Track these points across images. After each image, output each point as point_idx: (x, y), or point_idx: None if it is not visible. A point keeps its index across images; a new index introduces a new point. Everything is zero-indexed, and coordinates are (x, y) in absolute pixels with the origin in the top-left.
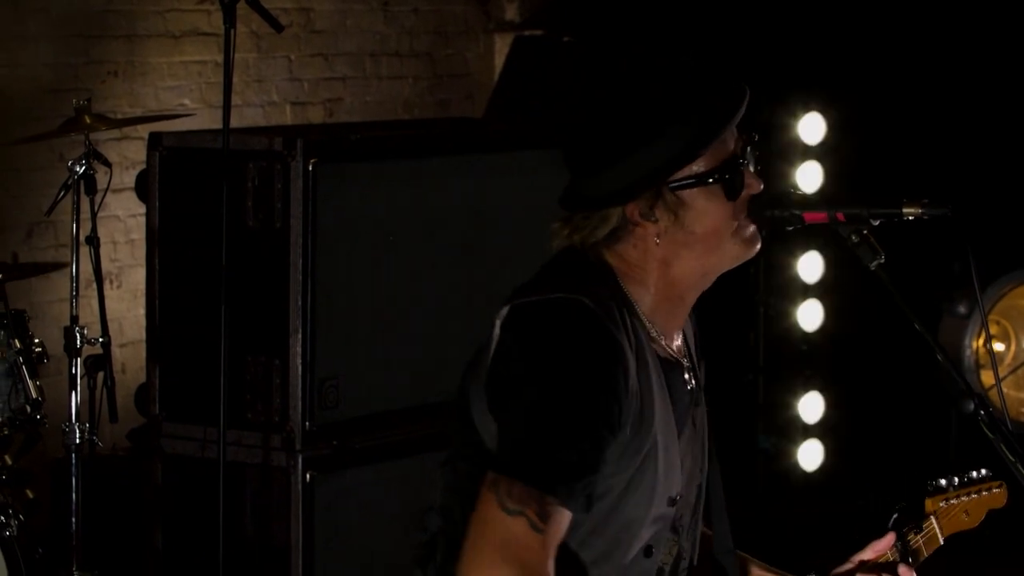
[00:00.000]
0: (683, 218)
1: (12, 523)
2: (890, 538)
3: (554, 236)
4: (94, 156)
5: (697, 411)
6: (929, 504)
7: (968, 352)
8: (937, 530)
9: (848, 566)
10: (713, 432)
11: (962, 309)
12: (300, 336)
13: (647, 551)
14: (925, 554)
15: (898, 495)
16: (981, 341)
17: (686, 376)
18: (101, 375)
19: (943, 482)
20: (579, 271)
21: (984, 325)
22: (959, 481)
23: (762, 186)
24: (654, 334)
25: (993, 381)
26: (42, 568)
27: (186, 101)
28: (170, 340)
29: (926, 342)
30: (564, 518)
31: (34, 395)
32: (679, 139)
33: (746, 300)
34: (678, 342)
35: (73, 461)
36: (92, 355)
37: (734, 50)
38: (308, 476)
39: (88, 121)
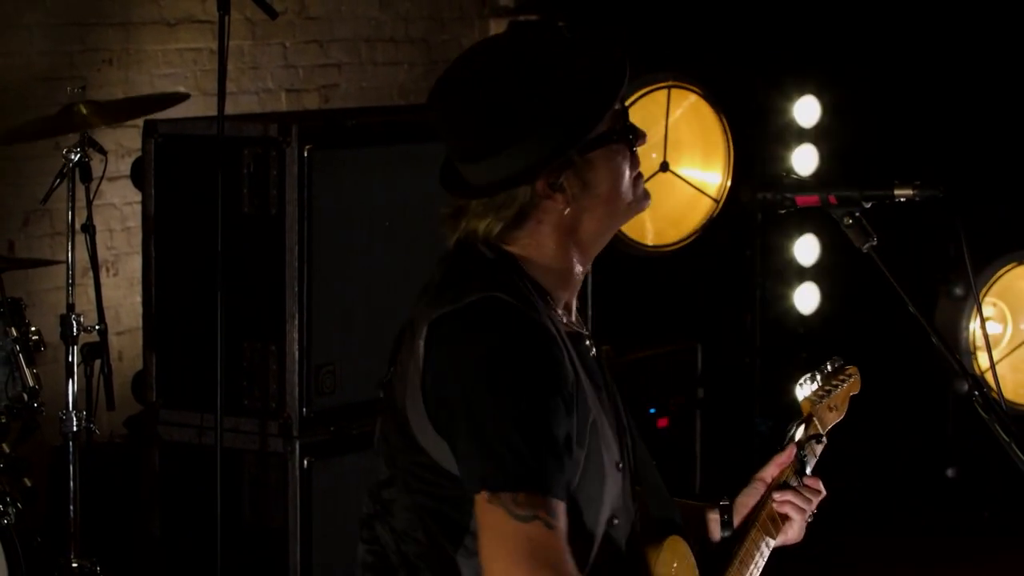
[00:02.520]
0: (590, 181)
1: (10, 511)
2: (791, 450)
3: (449, 229)
4: (89, 144)
5: (605, 372)
6: (806, 406)
7: (965, 334)
8: (819, 429)
9: (759, 485)
10: (617, 389)
11: (959, 291)
12: (297, 322)
13: (610, 522)
14: (816, 456)
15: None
16: (977, 323)
17: (588, 343)
18: (98, 363)
19: (807, 382)
20: (482, 266)
21: (977, 306)
22: (820, 377)
23: (646, 138)
24: (559, 311)
25: (990, 362)
26: (40, 556)
27: (181, 88)
28: (167, 327)
29: (921, 324)
30: (563, 510)
31: (31, 383)
32: (581, 105)
33: (742, 283)
34: (574, 313)
35: (70, 449)
36: (89, 343)
37: (729, 34)
38: (305, 462)
39: (84, 112)
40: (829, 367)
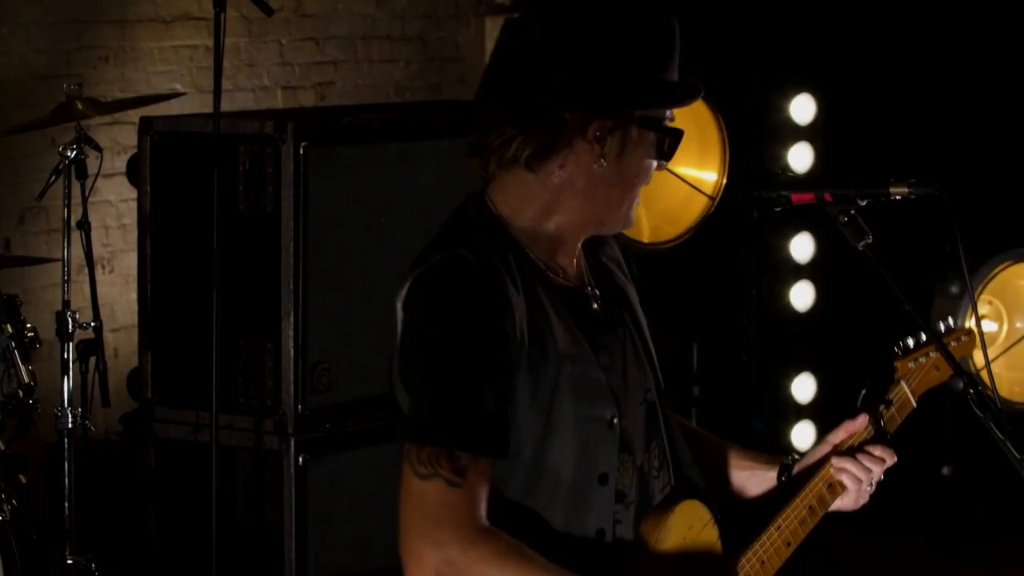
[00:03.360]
0: (626, 156)
1: (5, 508)
2: (863, 418)
3: (476, 163)
4: (85, 141)
5: (622, 330)
6: (900, 367)
7: None
8: (908, 393)
9: (825, 448)
10: (650, 347)
11: (954, 289)
12: (292, 320)
13: (602, 479)
14: (899, 420)
15: (867, 371)
16: (973, 321)
17: (592, 302)
18: (93, 360)
19: (911, 342)
20: (461, 225)
21: (972, 304)
22: (926, 337)
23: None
24: (547, 268)
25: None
26: (35, 553)
27: (177, 85)
28: (162, 324)
29: (916, 322)
30: (483, 467)
31: (26, 380)
32: (661, 73)
33: (738, 281)
34: (574, 271)
35: (66, 446)
36: (84, 340)
37: (726, 31)
38: (301, 459)
39: (80, 108)
40: (941, 327)
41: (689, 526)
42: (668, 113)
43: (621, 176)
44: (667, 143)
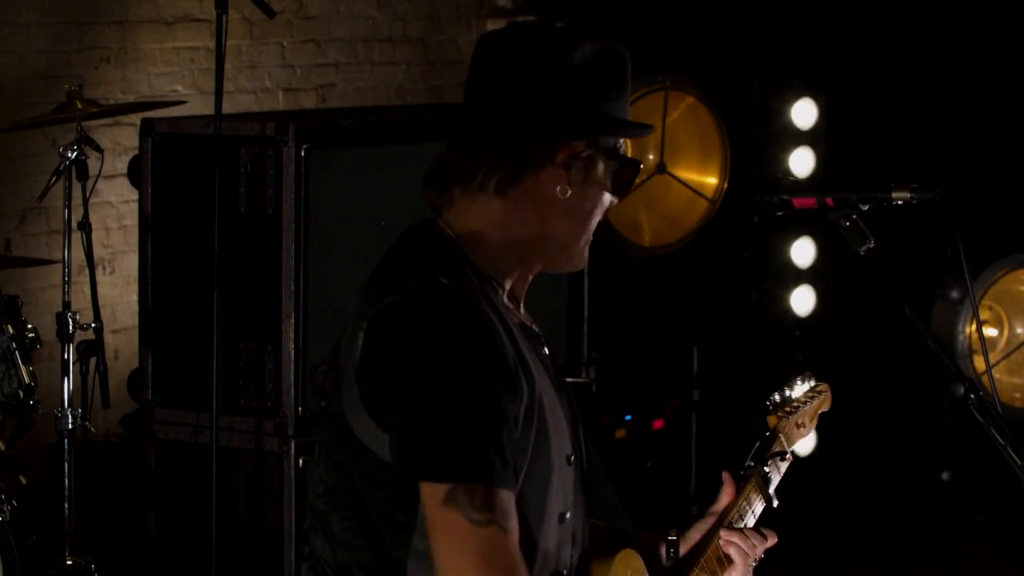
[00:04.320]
0: (587, 187)
1: (5, 509)
2: (730, 484)
3: (431, 197)
4: (86, 142)
5: (556, 368)
6: (772, 421)
7: (961, 337)
8: (785, 445)
9: (709, 519)
10: (572, 393)
11: (955, 294)
12: (292, 321)
13: (561, 518)
14: (781, 473)
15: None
16: (974, 326)
17: (541, 339)
18: (94, 361)
19: (777, 396)
20: (424, 251)
21: (974, 309)
22: (790, 392)
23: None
24: (508, 303)
25: (986, 366)
26: (35, 554)
27: (178, 87)
28: (163, 326)
29: (917, 327)
30: (513, 504)
31: (27, 381)
32: (620, 107)
33: (739, 285)
34: (522, 308)
35: (66, 447)
36: (85, 341)
37: (728, 36)
38: (300, 461)
39: (80, 107)
40: (800, 382)
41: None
42: (621, 146)
43: (580, 207)
44: (622, 175)
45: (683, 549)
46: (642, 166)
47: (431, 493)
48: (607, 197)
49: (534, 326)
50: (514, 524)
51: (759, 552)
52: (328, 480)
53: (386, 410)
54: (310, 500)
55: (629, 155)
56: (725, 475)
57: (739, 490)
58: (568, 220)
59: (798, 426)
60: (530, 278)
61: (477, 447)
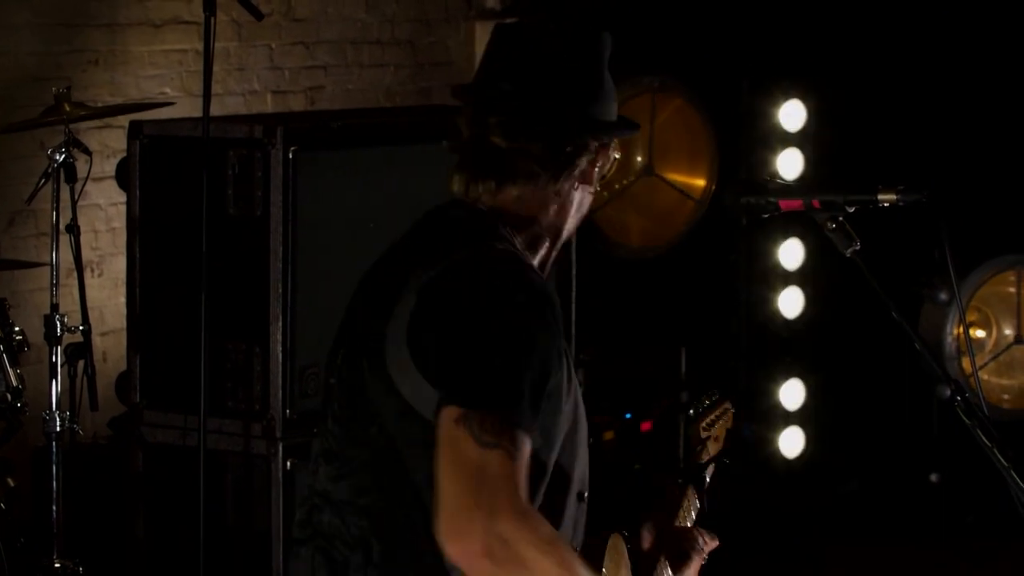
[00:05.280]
0: (587, 181)
1: None
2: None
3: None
4: (74, 144)
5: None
6: (699, 429)
7: (949, 339)
8: (711, 453)
9: (651, 524)
10: None
11: (943, 296)
12: (280, 324)
13: (580, 496)
14: (709, 479)
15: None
16: (961, 328)
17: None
18: (82, 363)
19: (692, 413)
20: (470, 225)
21: (960, 311)
22: (703, 408)
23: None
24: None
25: (972, 368)
26: (23, 556)
27: (167, 89)
28: (151, 328)
29: (904, 329)
30: (528, 447)
31: (15, 383)
32: (613, 109)
33: (727, 287)
34: None
35: (54, 449)
36: (73, 343)
37: (716, 38)
38: (289, 464)
39: (68, 109)
40: (707, 401)
41: (609, 562)
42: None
43: (583, 203)
44: (604, 174)
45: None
46: (621, 163)
47: (447, 415)
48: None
49: None
50: (525, 462)
51: (705, 553)
52: (333, 445)
53: (430, 351)
54: (304, 496)
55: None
56: (667, 484)
57: (681, 495)
58: (577, 214)
59: (715, 440)
60: (549, 266)
61: (501, 380)
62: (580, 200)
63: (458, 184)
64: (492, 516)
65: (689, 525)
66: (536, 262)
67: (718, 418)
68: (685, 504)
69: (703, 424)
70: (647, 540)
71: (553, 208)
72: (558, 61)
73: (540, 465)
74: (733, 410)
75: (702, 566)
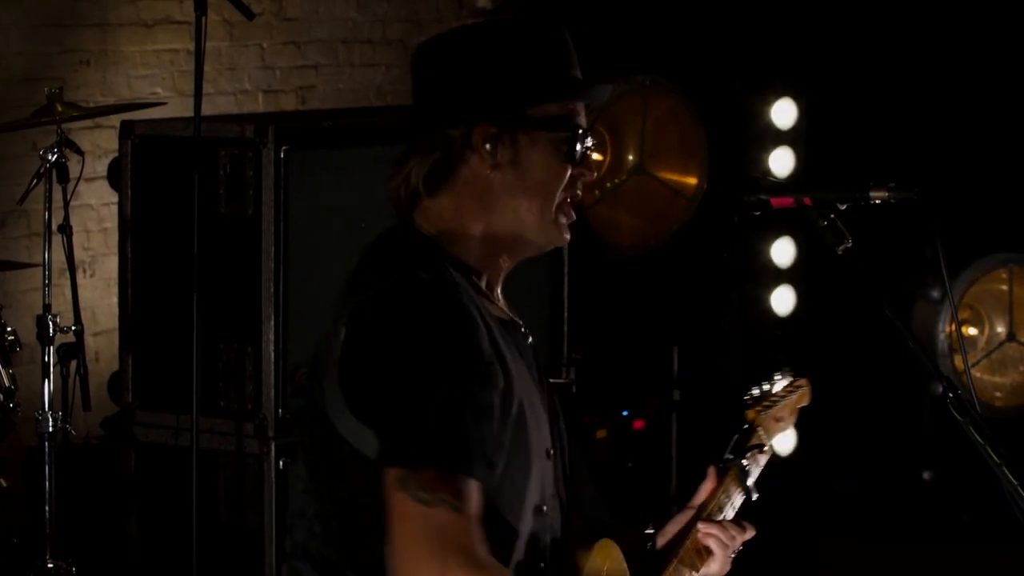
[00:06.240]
0: (523, 161)
1: None
2: (713, 476)
3: (397, 208)
4: (66, 144)
5: (538, 364)
6: (751, 415)
7: (941, 336)
8: (763, 439)
9: (688, 513)
10: (552, 388)
11: (935, 294)
12: (272, 323)
13: (538, 510)
14: (760, 466)
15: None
16: (954, 325)
17: (524, 331)
18: (74, 363)
19: (756, 392)
20: (401, 250)
21: (952, 309)
22: (770, 387)
23: (594, 176)
24: (485, 296)
25: (964, 365)
26: (16, 557)
27: (158, 89)
28: (143, 328)
29: (895, 326)
30: (476, 491)
31: (7, 384)
32: (547, 75)
33: (719, 286)
34: (503, 301)
35: (46, 449)
36: (65, 343)
37: (708, 36)
38: (281, 463)
39: (60, 110)
40: (779, 377)
41: (605, 566)
42: (574, 117)
43: (523, 182)
44: (567, 144)
45: (661, 542)
46: (612, 161)
47: (388, 477)
48: (561, 168)
49: (517, 318)
50: (472, 508)
51: (738, 543)
52: (308, 481)
53: (362, 400)
54: (288, 523)
55: (581, 125)
56: (711, 469)
57: (718, 483)
58: (513, 200)
59: (777, 420)
60: (504, 268)
61: (434, 434)
62: (512, 187)
63: (391, 205)
64: (444, 573)
65: (723, 516)
66: (484, 276)
67: (780, 398)
68: (720, 494)
69: (760, 406)
70: (670, 534)
71: (476, 206)
72: (425, 69)
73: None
74: (807, 387)
75: (735, 556)
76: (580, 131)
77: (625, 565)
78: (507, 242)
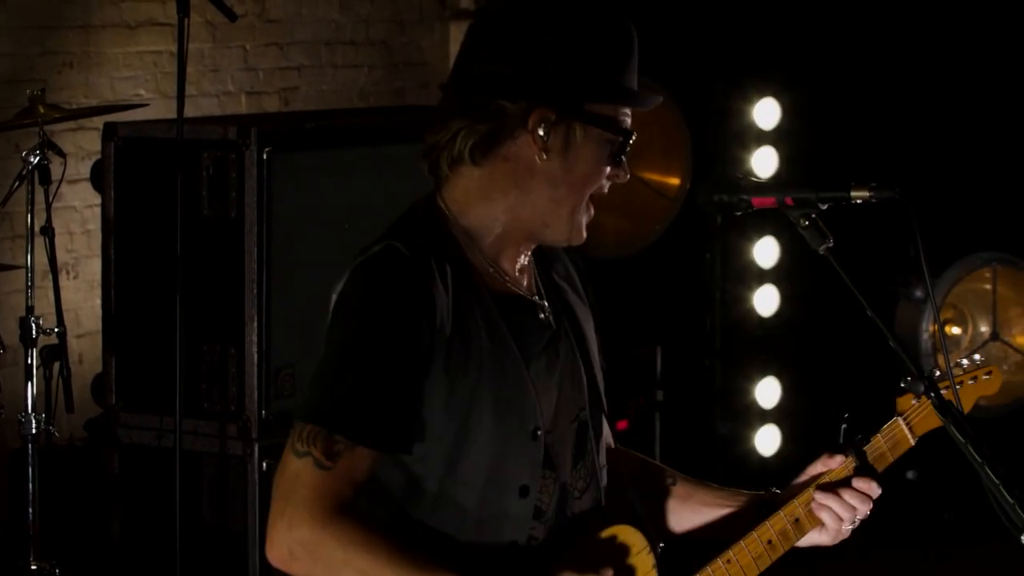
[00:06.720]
0: (572, 153)
1: None
2: (839, 458)
3: (429, 168)
4: (49, 146)
5: (561, 345)
6: (901, 403)
7: (924, 336)
8: (906, 431)
9: (803, 480)
10: (595, 369)
11: (918, 293)
12: (256, 325)
13: (522, 491)
14: (891, 459)
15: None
16: (937, 325)
17: (544, 313)
18: (57, 365)
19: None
20: (406, 222)
21: (934, 308)
22: (940, 373)
23: (628, 177)
24: (492, 272)
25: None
26: None
27: (141, 91)
28: (126, 330)
29: (879, 326)
30: (359, 456)
31: None
32: (615, 71)
33: (702, 286)
34: (525, 281)
35: (30, 451)
36: (48, 345)
37: (690, 35)
38: (264, 464)
39: (43, 111)
40: (964, 362)
41: (629, 550)
42: (624, 118)
43: (567, 174)
44: (614, 146)
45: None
46: (632, 135)
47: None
48: (602, 168)
49: (534, 296)
50: (345, 472)
51: (862, 512)
52: None
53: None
54: None
55: (629, 128)
56: (838, 458)
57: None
58: (551, 186)
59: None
60: (522, 247)
61: (335, 398)
62: (551, 175)
63: (426, 175)
64: (290, 526)
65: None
66: (497, 252)
67: (959, 384)
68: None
69: (914, 395)
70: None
71: (509, 184)
72: (488, 35)
73: (409, 470)
74: (996, 375)
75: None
76: (631, 134)
77: (650, 558)
78: (529, 226)
